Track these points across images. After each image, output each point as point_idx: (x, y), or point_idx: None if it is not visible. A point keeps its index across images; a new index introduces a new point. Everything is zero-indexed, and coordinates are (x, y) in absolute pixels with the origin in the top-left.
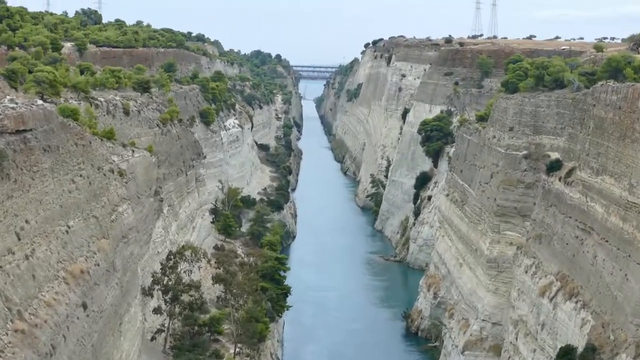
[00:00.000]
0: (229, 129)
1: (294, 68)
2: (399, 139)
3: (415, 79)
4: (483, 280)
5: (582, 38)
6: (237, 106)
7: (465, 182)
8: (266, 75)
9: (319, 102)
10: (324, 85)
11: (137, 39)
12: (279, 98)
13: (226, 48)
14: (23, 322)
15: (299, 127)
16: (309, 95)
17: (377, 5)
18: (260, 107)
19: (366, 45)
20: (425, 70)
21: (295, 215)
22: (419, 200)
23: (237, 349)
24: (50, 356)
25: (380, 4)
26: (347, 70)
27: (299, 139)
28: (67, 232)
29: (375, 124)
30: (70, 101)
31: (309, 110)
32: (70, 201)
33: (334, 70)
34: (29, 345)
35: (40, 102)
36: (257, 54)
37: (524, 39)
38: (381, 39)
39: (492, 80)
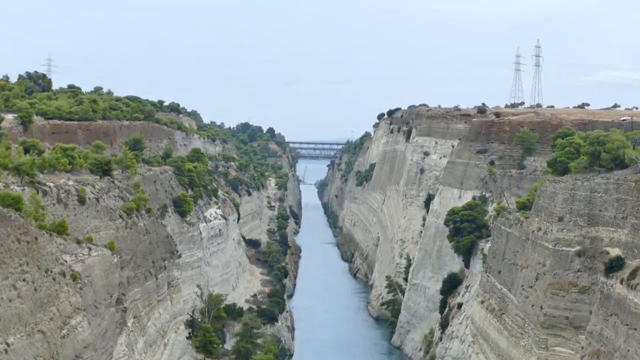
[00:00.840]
0: (210, 220)
1: (291, 145)
2: (421, 232)
3: (440, 158)
4: None
5: None
6: (219, 192)
7: (505, 286)
8: (256, 154)
9: (322, 186)
10: (328, 166)
11: (96, 110)
12: (272, 182)
13: (206, 120)
14: None
15: (297, 218)
16: (309, 179)
17: (391, 69)
18: (249, 194)
19: (380, 117)
20: (453, 146)
21: (293, 329)
22: (447, 309)
23: None
24: None
25: (396, 66)
26: (357, 147)
27: (297, 232)
28: (5, 351)
29: (392, 214)
30: (12, 187)
31: (310, 197)
32: (10, 312)
33: (339, 147)
34: None
35: None
36: (245, 127)
37: (575, 107)
38: (398, 109)
39: (536, 159)
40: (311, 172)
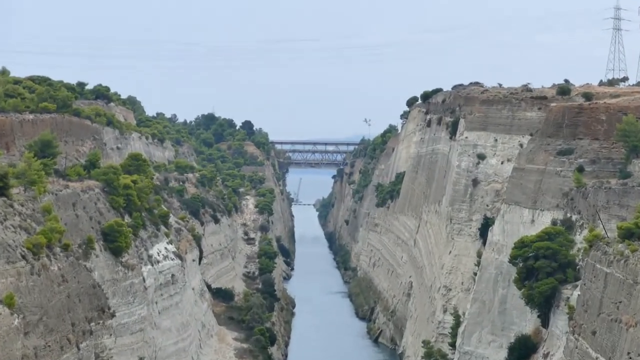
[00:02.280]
0: (158, 261)
1: (278, 147)
2: (475, 274)
3: (502, 163)
4: None
5: None
6: (172, 219)
7: (602, 354)
8: (226, 161)
9: (325, 208)
10: (334, 177)
11: None
12: (249, 203)
13: (150, 111)
14: None
15: (289, 255)
16: (305, 197)
17: (427, 33)
18: (216, 221)
19: (411, 102)
20: (521, 146)
21: None
22: None
23: None
24: None
25: (433, 30)
26: (376, 148)
27: (288, 277)
28: None
29: (431, 248)
30: None
31: (307, 223)
32: None
33: (350, 149)
34: None
35: None
36: (209, 121)
37: None
38: (438, 90)
39: None
40: (309, 186)
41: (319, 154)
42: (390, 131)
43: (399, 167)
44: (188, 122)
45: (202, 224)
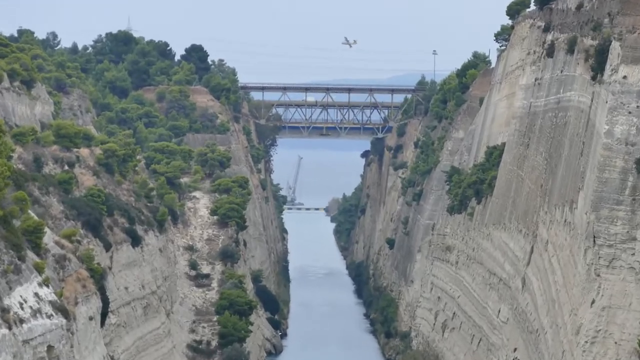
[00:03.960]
0: (22, 320)
1: (255, 96)
2: None
3: None
4: None
5: None
6: (48, 238)
7: None
8: (155, 124)
9: (348, 215)
10: (365, 156)
11: None
12: (201, 206)
13: (7, 29)
14: None
15: (277, 307)
16: (309, 194)
17: None
18: (135, 242)
19: (516, 10)
20: None
21: None
22: None
23: None
24: None
25: None
26: (448, 99)
27: (276, 351)
28: None
29: (556, 294)
30: None
31: (312, 245)
32: None
33: (398, 101)
34: None
35: None
36: (121, 44)
37: None
38: None
39: None
40: (316, 174)
41: (335, 111)
42: (476, 65)
43: (493, 135)
44: (80, 47)
45: (107, 247)
